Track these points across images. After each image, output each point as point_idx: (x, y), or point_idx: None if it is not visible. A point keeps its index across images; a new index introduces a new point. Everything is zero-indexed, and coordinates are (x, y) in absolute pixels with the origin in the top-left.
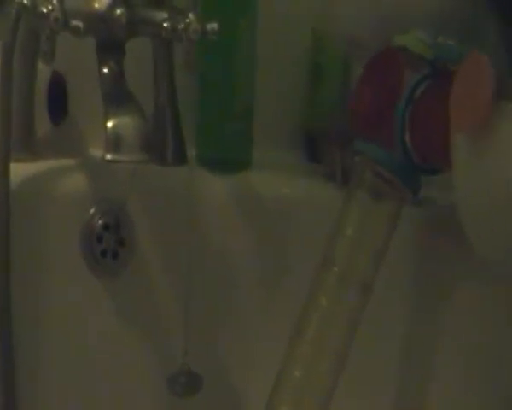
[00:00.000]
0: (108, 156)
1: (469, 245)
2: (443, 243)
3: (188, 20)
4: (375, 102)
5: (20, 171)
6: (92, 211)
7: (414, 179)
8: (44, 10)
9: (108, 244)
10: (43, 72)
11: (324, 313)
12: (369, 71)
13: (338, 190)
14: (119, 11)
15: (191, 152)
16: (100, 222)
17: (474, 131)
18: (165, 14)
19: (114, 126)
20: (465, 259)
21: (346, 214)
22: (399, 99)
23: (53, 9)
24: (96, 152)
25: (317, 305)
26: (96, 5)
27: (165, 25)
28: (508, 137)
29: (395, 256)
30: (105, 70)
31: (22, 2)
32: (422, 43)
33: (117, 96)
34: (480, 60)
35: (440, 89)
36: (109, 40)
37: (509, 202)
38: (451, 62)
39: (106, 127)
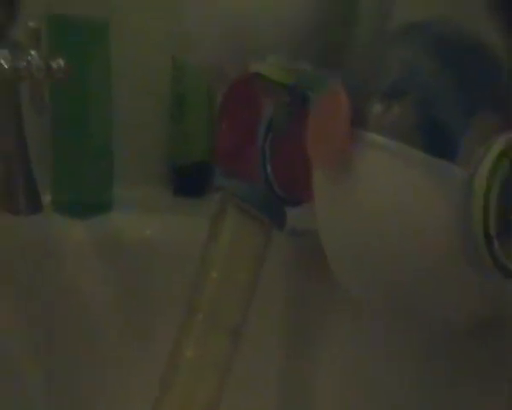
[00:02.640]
0: None
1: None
2: (315, 275)
3: (29, 58)
4: (235, 134)
5: None
6: None
7: (279, 212)
8: None
9: None
10: None
11: (191, 363)
12: (227, 102)
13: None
14: None
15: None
16: None
17: (333, 166)
18: (5, 52)
19: None
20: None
21: (210, 255)
22: (259, 128)
23: None
24: None
25: (183, 356)
26: None
27: (4, 64)
28: (367, 168)
29: (266, 294)
30: None
31: None
32: (279, 69)
33: None
34: (335, 93)
35: (300, 117)
36: None
37: (370, 235)
38: (310, 88)
39: None
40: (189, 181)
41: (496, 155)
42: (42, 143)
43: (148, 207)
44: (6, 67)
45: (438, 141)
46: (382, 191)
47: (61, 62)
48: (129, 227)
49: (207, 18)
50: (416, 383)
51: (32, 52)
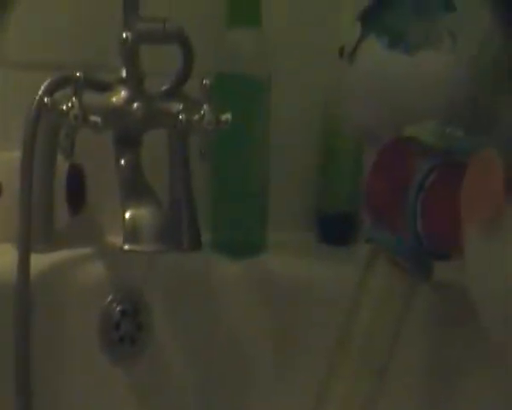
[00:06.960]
0: (126, 246)
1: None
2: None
3: (202, 112)
4: (387, 190)
5: (39, 261)
6: (110, 298)
7: (426, 264)
8: (64, 108)
9: (126, 330)
10: (62, 164)
11: (341, 400)
12: (381, 160)
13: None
14: (135, 105)
15: (206, 237)
16: (118, 309)
17: (486, 224)
18: (180, 106)
19: (132, 218)
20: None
21: (360, 301)
22: (411, 187)
23: (72, 107)
24: (114, 240)
25: (333, 393)
26: (114, 100)
27: (180, 116)
28: None
29: (410, 338)
30: (122, 162)
31: (42, 101)
32: (432, 133)
33: (134, 187)
34: (489, 155)
35: (451, 179)
36: (126, 133)
37: None
38: (461, 153)
39: (123, 218)
40: (333, 230)
41: None
42: (203, 187)
43: (296, 252)
44: (181, 119)
45: None
46: None
47: (229, 117)
48: (282, 268)
49: (361, 80)
50: None
51: (205, 106)
